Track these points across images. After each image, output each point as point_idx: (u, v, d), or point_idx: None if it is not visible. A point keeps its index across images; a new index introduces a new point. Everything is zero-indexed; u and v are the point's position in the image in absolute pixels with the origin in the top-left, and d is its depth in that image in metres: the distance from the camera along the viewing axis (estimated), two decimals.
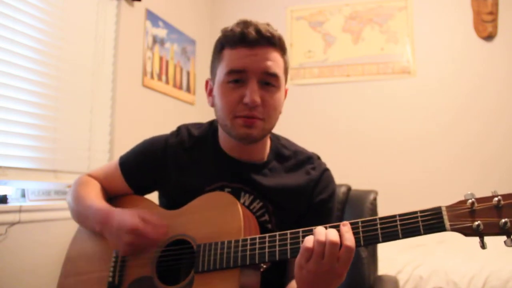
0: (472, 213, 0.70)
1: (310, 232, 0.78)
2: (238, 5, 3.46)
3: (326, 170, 1.05)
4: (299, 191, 1.00)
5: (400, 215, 0.74)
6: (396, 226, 0.73)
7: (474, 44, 2.97)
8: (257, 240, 0.83)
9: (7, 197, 1.75)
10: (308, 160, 1.04)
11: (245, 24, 0.93)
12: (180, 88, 2.96)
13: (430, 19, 3.08)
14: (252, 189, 0.99)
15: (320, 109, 3.22)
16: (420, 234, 0.72)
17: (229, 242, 0.85)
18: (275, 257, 0.81)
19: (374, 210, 1.52)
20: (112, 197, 1.13)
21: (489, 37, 2.93)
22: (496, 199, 0.68)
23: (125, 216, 0.93)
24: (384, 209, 0.77)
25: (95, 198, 1.05)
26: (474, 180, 2.81)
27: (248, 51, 0.91)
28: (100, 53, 2.24)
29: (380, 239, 0.74)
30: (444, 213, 0.71)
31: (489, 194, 0.70)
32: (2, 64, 1.72)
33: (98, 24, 2.23)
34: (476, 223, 0.68)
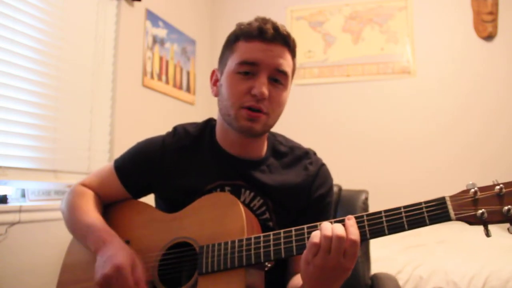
0: (476, 201, 0.71)
1: (315, 228, 0.78)
2: (238, 5, 3.46)
3: (323, 165, 1.06)
4: (298, 187, 1.00)
5: (404, 206, 0.75)
6: (402, 218, 0.74)
7: (474, 44, 2.97)
8: (262, 239, 0.83)
9: (7, 197, 1.75)
10: (305, 156, 1.05)
11: (264, 20, 0.95)
12: (180, 88, 2.96)
13: (430, 19, 3.08)
14: (252, 186, 0.99)
15: (320, 109, 3.22)
16: (425, 225, 0.73)
17: (233, 242, 0.85)
18: (281, 254, 0.80)
19: (366, 210, 1.52)
20: (109, 203, 1.10)
21: (489, 37, 2.93)
22: (498, 187, 0.70)
23: (121, 252, 0.89)
24: (377, 209, 0.77)
25: (93, 215, 1.00)
26: (475, 179, 2.75)
27: (264, 46, 0.92)
28: (100, 53, 2.24)
29: (387, 232, 0.75)
30: (448, 202, 0.72)
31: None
32: (2, 64, 1.72)
33: (98, 24, 2.23)
34: (480, 211, 0.69)
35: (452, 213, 0.71)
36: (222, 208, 0.91)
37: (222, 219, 0.90)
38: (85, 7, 2.16)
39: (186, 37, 3.05)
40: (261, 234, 0.83)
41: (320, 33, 3.27)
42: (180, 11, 3.02)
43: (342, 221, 0.76)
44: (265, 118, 0.94)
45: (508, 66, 2.90)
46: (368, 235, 0.75)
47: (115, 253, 0.88)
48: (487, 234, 0.70)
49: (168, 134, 1.08)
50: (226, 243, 0.85)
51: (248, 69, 0.92)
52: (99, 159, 2.20)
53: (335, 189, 1.59)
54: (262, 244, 0.82)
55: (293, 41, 0.97)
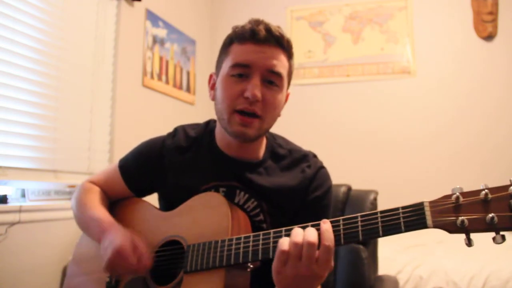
0: (457, 208, 0.65)
1: (292, 230, 0.77)
2: (238, 5, 3.46)
3: (321, 167, 1.05)
4: (294, 190, 1.00)
5: (381, 211, 0.71)
6: (377, 223, 0.70)
7: (474, 44, 2.97)
8: (242, 240, 0.83)
9: (7, 197, 1.75)
10: (303, 159, 1.04)
11: (257, 22, 0.94)
12: (180, 88, 2.96)
13: (430, 19, 3.08)
14: (247, 188, 0.99)
15: (320, 109, 3.22)
16: (401, 232, 0.68)
17: (216, 242, 0.86)
18: (258, 256, 0.80)
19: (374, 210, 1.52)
20: (113, 201, 1.14)
21: (489, 37, 2.93)
22: (483, 192, 0.64)
23: (119, 235, 0.93)
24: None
25: (97, 208, 1.05)
26: (475, 179, 2.80)
27: (256, 47, 0.92)
28: (100, 53, 2.24)
29: (360, 238, 0.71)
30: (427, 208, 0.67)
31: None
32: (2, 64, 1.72)
33: (98, 24, 2.23)
34: (461, 218, 0.63)
35: (429, 220, 0.66)
36: (211, 208, 0.92)
37: (209, 219, 0.91)
38: (85, 7, 2.16)
39: (186, 37, 3.05)
40: (242, 236, 0.84)
41: (320, 33, 3.27)
42: (180, 11, 3.02)
43: (317, 225, 0.74)
44: (259, 123, 0.93)
45: (508, 66, 2.90)
46: (342, 241, 0.72)
47: (114, 238, 0.92)
48: (469, 244, 0.65)
49: (169, 134, 1.10)
50: (210, 243, 0.87)
51: (241, 72, 0.92)
52: (99, 159, 2.20)
53: (344, 189, 1.58)
54: (242, 245, 0.83)
55: (288, 41, 0.96)
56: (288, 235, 0.77)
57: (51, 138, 1.96)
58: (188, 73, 3.06)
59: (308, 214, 0.99)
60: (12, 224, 1.67)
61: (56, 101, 1.98)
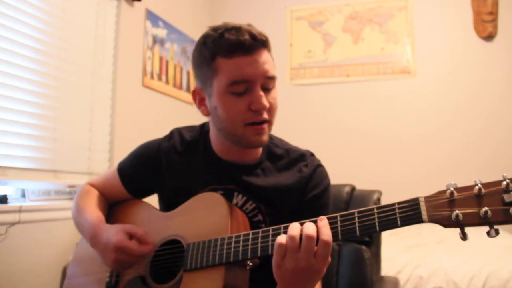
0: (452, 203, 0.67)
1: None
2: (238, 5, 3.46)
3: (318, 166, 1.05)
4: (291, 189, 1.00)
5: (378, 207, 0.72)
6: (374, 219, 0.72)
7: (474, 44, 2.97)
8: (241, 237, 0.84)
9: (7, 197, 1.75)
10: (300, 158, 1.04)
11: (236, 29, 0.90)
12: (180, 88, 2.96)
13: (430, 19, 3.08)
14: (245, 190, 1.00)
15: (320, 109, 3.22)
16: (397, 226, 0.70)
17: (216, 240, 0.86)
18: (257, 253, 0.81)
19: None
20: (112, 203, 1.15)
21: (489, 37, 2.93)
22: (477, 187, 0.65)
23: (111, 233, 0.94)
24: None
25: (91, 211, 1.06)
26: (477, 179, 2.80)
27: (248, 59, 0.90)
28: (100, 53, 2.24)
29: (358, 233, 0.73)
30: (422, 203, 0.68)
31: None
32: (2, 64, 1.72)
33: (98, 24, 2.23)
34: (455, 213, 0.65)
35: (424, 214, 0.67)
36: (210, 208, 0.93)
37: (209, 218, 0.92)
38: (85, 7, 2.16)
39: (186, 37, 3.05)
40: (241, 233, 0.84)
41: (320, 33, 3.27)
42: (180, 11, 3.02)
43: (314, 222, 0.75)
44: (268, 127, 0.95)
45: (508, 66, 2.90)
46: (339, 236, 0.74)
47: (108, 237, 0.94)
48: (463, 237, 0.66)
49: (165, 137, 1.11)
50: (209, 241, 0.87)
51: (243, 89, 0.90)
52: (99, 159, 2.20)
53: (348, 188, 1.58)
54: (241, 243, 0.83)
55: (267, 39, 0.94)
56: (286, 232, 0.77)
57: (51, 138, 1.96)
58: (188, 73, 3.06)
59: (307, 213, 0.99)
60: (12, 224, 1.67)
61: (56, 101, 1.98)
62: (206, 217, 0.92)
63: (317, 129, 3.17)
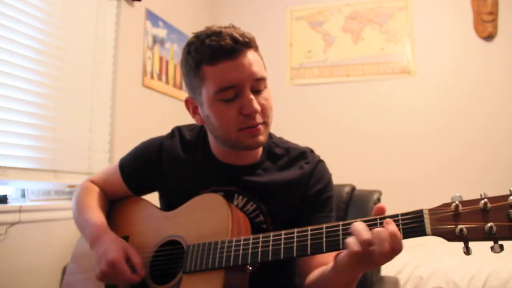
0: (456, 216, 0.65)
1: (291, 234, 0.78)
2: (238, 5, 3.46)
3: (319, 161, 1.05)
4: (292, 185, 1.00)
5: (381, 218, 0.71)
6: None
7: (474, 44, 2.97)
8: (242, 242, 0.83)
9: (7, 197, 1.75)
10: (301, 156, 1.04)
11: (217, 34, 0.88)
12: (180, 88, 2.96)
13: (430, 19, 3.08)
14: (245, 191, 0.99)
15: (320, 109, 3.22)
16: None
17: (216, 243, 0.86)
18: (257, 258, 0.80)
19: None
20: (114, 200, 1.15)
21: (489, 37, 2.93)
22: (483, 201, 0.64)
23: (112, 247, 0.93)
24: (388, 209, 0.75)
25: (93, 211, 1.06)
26: (477, 179, 2.81)
27: (232, 63, 0.88)
28: (100, 53, 2.24)
29: None
30: (426, 216, 0.67)
31: (491, 192, 0.66)
32: (2, 64, 1.72)
33: (98, 24, 2.23)
34: (460, 227, 0.64)
35: (428, 227, 0.66)
36: (211, 209, 0.92)
37: (209, 219, 0.91)
38: (85, 7, 2.16)
39: (186, 37, 3.05)
40: (242, 238, 0.84)
41: (320, 33, 3.27)
42: (180, 11, 3.02)
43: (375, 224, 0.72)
44: (264, 127, 0.94)
45: (508, 66, 2.90)
46: (341, 246, 0.73)
47: (107, 249, 0.93)
48: (467, 252, 0.65)
49: (167, 136, 1.11)
50: (210, 244, 0.86)
51: (231, 95, 0.89)
52: (99, 159, 2.20)
53: (348, 188, 1.58)
54: (241, 247, 0.82)
55: (252, 38, 0.92)
56: (288, 238, 0.78)
57: (51, 138, 1.96)
58: None
59: (313, 208, 1.00)
60: (12, 224, 1.67)
61: (56, 101, 1.98)
62: (206, 218, 0.92)
63: (317, 129, 3.17)
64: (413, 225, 0.68)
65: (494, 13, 2.91)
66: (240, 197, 0.99)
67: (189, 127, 1.12)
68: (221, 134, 0.95)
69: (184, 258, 0.89)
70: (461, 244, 0.67)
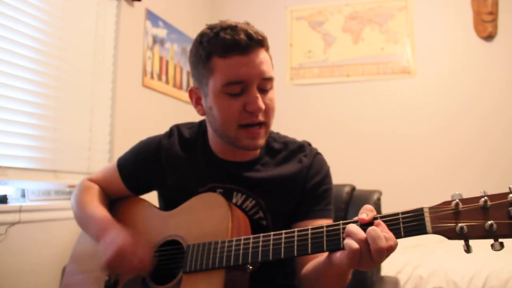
0: (457, 214, 0.65)
1: (292, 233, 0.78)
2: (238, 5, 3.46)
3: (317, 154, 1.06)
4: (291, 179, 1.00)
5: (382, 216, 0.71)
6: None
7: (474, 44, 2.97)
8: (242, 241, 0.83)
9: (7, 197, 1.75)
10: (299, 149, 1.05)
11: (232, 29, 0.89)
12: (180, 88, 2.96)
13: (430, 19, 3.08)
14: (245, 188, 1.00)
15: (320, 109, 3.21)
16: (400, 237, 0.69)
17: (216, 242, 0.86)
18: (258, 258, 0.80)
19: (378, 210, 1.51)
20: (114, 200, 1.15)
21: (489, 37, 2.93)
22: (483, 199, 0.64)
23: (120, 234, 0.93)
24: (388, 209, 0.75)
25: (96, 207, 1.05)
26: (477, 179, 2.81)
27: (243, 59, 0.88)
28: (100, 53, 2.24)
29: None
30: (426, 214, 0.67)
31: (492, 192, 0.65)
32: (2, 64, 1.72)
33: (98, 24, 2.23)
34: (460, 225, 0.64)
35: (429, 225, 0.66)
36: (211, 209, 0.92)
37: (209, 219, 0.91)
38: (85, 7, 2.16)
39: (186, 37, 3.05)
40: (242, 237, 0.84)
41: (320, 33, 3.27)
42: (180, 11, 3.02)
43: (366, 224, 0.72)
44: (264, 130, 0.94)
45: (508, 66, 2.90)
46: (342, 245, 0.73)
47: (115, 237, 0.92)
48: (467, 250, 0.65)
49: (165, 134, 1.11)
50: (210, 243, 0.86)
51: (238, 90, 0.89)
52: (99, 159, 2.20)
53: (348, 188, 1.58)
54: (241, 247, 0.83)
55: (264, 38, 0.93)
56: (288, 237, 0.78)
57: (51, 138, 1.95)
58: (188, 73, 3.06)
59: (311, 201, 1.00)
60: (12, 224, 1.66)
61: (56, 101, 1.98)
62: (206, 218, 0.92)
63: (317, 129, 3.17)
64: (413, 223, 0.68)
65: (494, 13, 2.91)
66: (239, 194, 1.00)
67: (188, 125, 1.12)
68: (220, 128, 0.95)
69: (184, 258, 0.89)
70: (461, 243, 0.67)
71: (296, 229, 0.79)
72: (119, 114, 2.33)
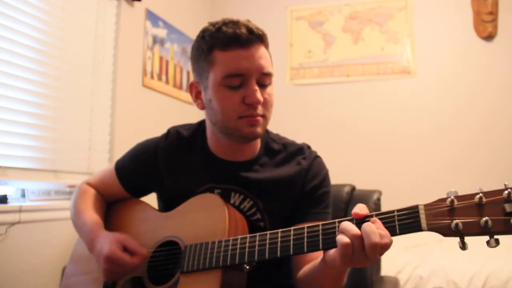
0: (451, 211, 0.65)
1: (288, 232, 0.78)
2: (238, 5, 3.46)
3: (316, 157, 1.06)
4: (289, 181, 1.00)
5: (377, 214, 0.71)
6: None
7: (474, 44, 2.97)
8: (239, 241, 0.83)
9: (7, 197, 1.75)
10: (298, 152, 1.05)
11: (234, 23, 0.92)
12: (180, 88, 2.96)
13: (430, 19, 3.08)
14: (242, 189, 1.00)
15: (320, 109, 3.22)
16: (395, 234, 0.69)
17: (213, 242, 0.86)
18: (254, 257, 0.81)
19: (377, 210, 1.51)
20: (112, 202, 1.15)
21: (489, 37, 2.93)
22: (478, 196, 0.64)
23: (105, 242, 0.94)
24: (388, 209, 0.75)
25: (89, 213, 1.06)
26: (477, 178, 2.81)
27: (243, 52, 0.90)
28: (100, 53, 2.24)
29: None
30: (422, 211, 0.67)
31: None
32: (2, 64, 1.72)
33: (98, 24, 2.23)
34: (455, 222, 0.64)
35: (424, 223, 0.66)
36: (208, 210, 0.93)
37: (207, 220, 0.92)
38: (85, 7, 2.16)
39: (186, 37, 3.05)
40: (239, 237, 0.84)
41: (320, 33, 3.27)
42: (180, 11, 3.02)
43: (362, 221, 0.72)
44: (263, 120, 0.95)
45: (508, 66, 2.90)
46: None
47: (101, 247, 0.94)
48: (463, 247, 0.65)
49: (162, 136, 1.11)
50: (207, 244, 0.87)
51: (237, 82, 0.91)
52: (99, 159, 2.20)
53: (348, 188, 1.58)
54: (238, 246, 0.83)
55: (265, 34, 0.95)
56: (284, 236, 0.78)
57: (51, 138, 1.96)
58: (188, 73, 3.06)
59: (309, 204, 1.01)
60: (12, 224, 1.67)
61: (56, 101, 1.99)
62: (204, 219, 0.92)
63: (317, 129, 3.17)
64: (408, 220, 0.68)
65: (494, 13, 2.91)
66: (237, 194, 1.00)
67: (186, 126, 1.12)
68: (220, 120, 0.95)
69: (182, 259, 0.89)
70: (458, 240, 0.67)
71: (292, 228, 0.79)
72: (119, 114, 2.33)
